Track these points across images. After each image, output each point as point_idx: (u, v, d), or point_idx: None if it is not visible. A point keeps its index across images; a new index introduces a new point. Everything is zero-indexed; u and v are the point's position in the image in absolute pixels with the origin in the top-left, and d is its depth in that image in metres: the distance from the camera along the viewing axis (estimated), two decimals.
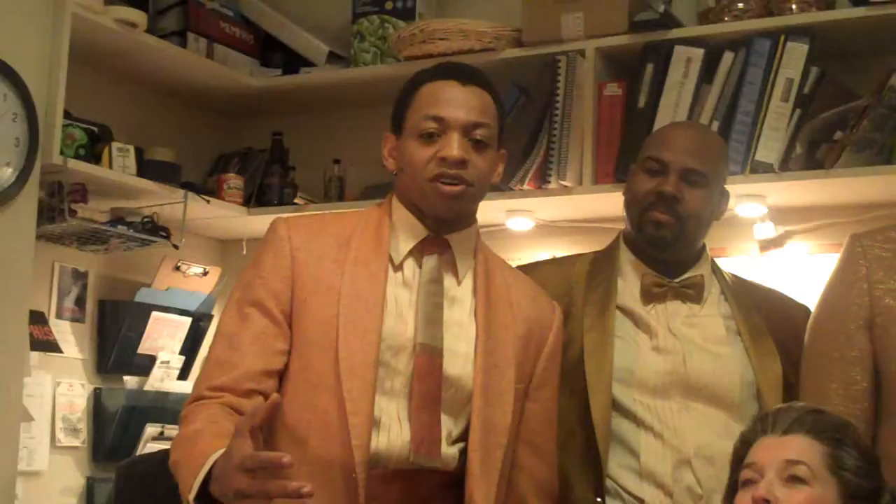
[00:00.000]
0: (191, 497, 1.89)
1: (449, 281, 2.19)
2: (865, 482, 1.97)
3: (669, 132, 2.63)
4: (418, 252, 2.19)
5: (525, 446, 2.24)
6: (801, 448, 1.96)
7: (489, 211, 3.25)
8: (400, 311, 2.15)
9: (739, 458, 2.03)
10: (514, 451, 2.22)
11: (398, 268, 2.18)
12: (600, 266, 2.54)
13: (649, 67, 3.15)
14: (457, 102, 2.16)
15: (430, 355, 2.12)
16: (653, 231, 2.44)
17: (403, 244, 2.19)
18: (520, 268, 2.60)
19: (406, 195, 2.22)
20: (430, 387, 2.12)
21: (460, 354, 2.15)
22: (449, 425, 2.14)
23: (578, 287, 2.51)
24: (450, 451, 2.13)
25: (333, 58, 3.64)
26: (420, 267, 2.18)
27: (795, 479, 1.93)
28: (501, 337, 2.20)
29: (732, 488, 2.05)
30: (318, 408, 2.08)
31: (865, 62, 3.11)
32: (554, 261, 2.86)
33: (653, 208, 2.44)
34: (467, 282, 2.22)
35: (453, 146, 2.13)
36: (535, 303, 2.30)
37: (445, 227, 2.20)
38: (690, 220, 2.44)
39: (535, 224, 3.44)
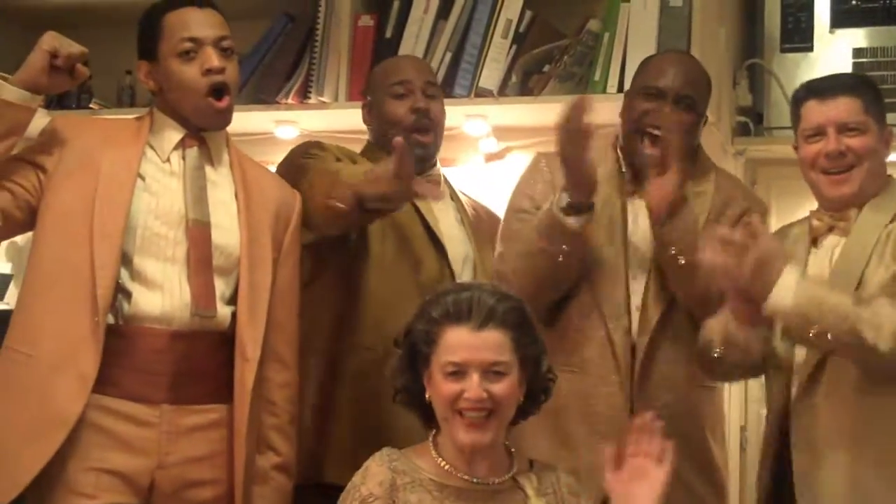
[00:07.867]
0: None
1: (209, 169, 2.49)
2: (532, 351, 2.25)
3: (401, 60, 3.12)
4: (181, 146, 2.47)
5: (276, 302, 2.52)
6: (497, 345, 2.18)
7: (259, 121, 3.63)
8: (173, 195, 2.42)
9: (430, 336, 2.21)
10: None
11: (166, 161, 2.45)
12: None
13: (396, 3, 3.54)
14: (202, 22, 2.45)
15: (200, 228, 2.42)
16: (421, 152, 2.86)
17: (168, 142, 2.47)
18: None
19: (174, 110, 2.48)
20: (202, 253, 2.41)
21: (225, 227, 2.45)
22: (221, 287, 2.43)
23: None
24: (224, 310, 2.43)
25: None
26: (184, 159, 2.47)
27: (497, 374, 2.18)
28: (258, 214, 2.51)
29: (411, 358, 2.25)
30: (70, 261, 2.33)
31: (569, 8, 3.54)
32: None
33: (414, 126, 2.86)
34: (224, 169, 2.52)
35: (213, 58, 2.43)
36: (281, 189, 2.62)
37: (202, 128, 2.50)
38: (439, 125, 2.94)
39: (300, 134, 3.69)
